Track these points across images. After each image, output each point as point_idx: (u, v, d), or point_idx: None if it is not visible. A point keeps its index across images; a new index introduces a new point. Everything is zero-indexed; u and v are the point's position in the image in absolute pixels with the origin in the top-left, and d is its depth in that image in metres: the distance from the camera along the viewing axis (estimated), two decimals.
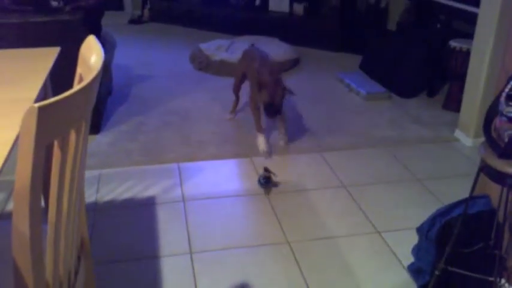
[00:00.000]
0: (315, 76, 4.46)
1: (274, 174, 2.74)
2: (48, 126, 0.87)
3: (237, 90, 3.53)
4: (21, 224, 0.89)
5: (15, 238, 0.91)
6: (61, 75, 1.93)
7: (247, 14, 5.63)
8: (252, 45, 3.64)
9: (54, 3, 3.04)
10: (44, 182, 0.94)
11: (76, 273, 1.28)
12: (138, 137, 3.27)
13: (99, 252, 2.20)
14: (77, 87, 0.96)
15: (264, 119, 3.15)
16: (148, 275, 2.09)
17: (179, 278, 2.07)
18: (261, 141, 3.09)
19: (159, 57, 4.95)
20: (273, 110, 2.97)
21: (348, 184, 2.79)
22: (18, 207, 0.88)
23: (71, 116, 0.97)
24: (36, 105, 0.82)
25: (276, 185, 2.75)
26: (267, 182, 2.71)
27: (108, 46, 3.61)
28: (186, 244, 2.28)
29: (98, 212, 2.50)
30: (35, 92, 1.43)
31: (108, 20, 4.19)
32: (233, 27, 5.58)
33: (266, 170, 2.72)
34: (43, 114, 0.83)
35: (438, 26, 4.38)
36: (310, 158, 3.08)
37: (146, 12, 6.25)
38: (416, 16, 4.82)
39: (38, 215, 0.91)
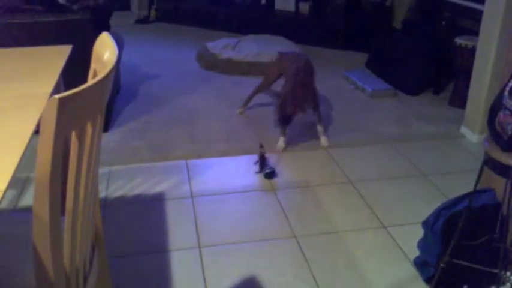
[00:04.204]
0: (321, 74, 4.48)
1: (266, 158, 2.91)
2: (68, 117, 0.91)
3: (259, 91, 3.58)
4: (42, 211, 0.93)
5: (35, 224, 0.95)
6: (70, 73, 1.97)
7: (253, 13, 5.67)
8: (280, 53, 3.59)
9: (62, 1, 3.08)
10: (61, 176, 0.98)
11: (91, 262, 1.32)
12: (146, 134, 3.32)
13: (109, 246, 2.24)
14: (93, 80, 1.00)
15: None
16: (158, 268, 2.13)
17: (188, 271, 2.11)
18: (280, 141, 3.15)
19: (166, 56, 4.99)
20: (283, 120, 3.04)
21: (354, 180, 2.82)
22: (39, 194, 0.92)
23: (88, 108, 1.01)
24: (57, 96, 0.86)
25: (275, 171, 2.85)
26: (271, 171, 2.80)
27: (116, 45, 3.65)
28: (194, 238, 2.31)
29: (108, 207, 2.55)
30: (49, 88, 1.48)
31: (115, 20, 4.23)
32: (239, 26, 5.62)
33: (261, 157, 2.86)
34: (63, 105, 0.87)
35: (443, 23, 4.40)
36: (317, 154, 3.11)
37: (153, 12, 6.30)
38: (421, 14, 4.83)
39: (57, 202, 0.95)
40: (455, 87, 3.84)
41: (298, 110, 3.05)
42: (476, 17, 3.54)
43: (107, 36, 1.29)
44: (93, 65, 1.30)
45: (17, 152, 1.09)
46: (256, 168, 2.89)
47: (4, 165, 1.04)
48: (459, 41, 3.67)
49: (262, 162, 2.88)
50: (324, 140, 3.21)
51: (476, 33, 3.29)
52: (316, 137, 3.30)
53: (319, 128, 3.24)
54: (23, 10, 2.98)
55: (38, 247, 0.98)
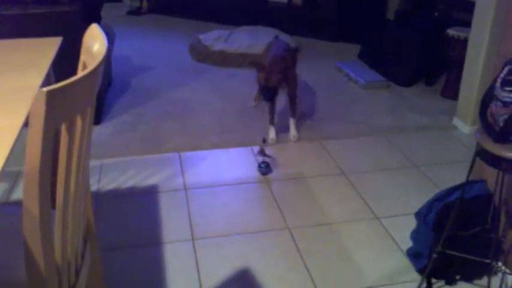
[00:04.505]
0: (314, 66, 4.48)
1: (268, 155, 2.84)
2: (57, 110, 0.90)
3: None
4: (31, 204, 0.92)
5: (25, 218, 0.94)
6: (60, 65, 1.95)
7: (246, 4, 5.64)
8: (276, 37, 3.60)
9: None
10: (51, 169, 0.97)
11: (82, 255, 1.31)
12: (139, 127, 3.30)
13: (101, 239, 2.23)
14: (82, 73, 0.98)
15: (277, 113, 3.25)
16: (151, 261, 2.12)
17: (181, 263, 2.11)
18: (271, 133, 3.16)
19: (158, 48, 4.96)
20: (268, 92, 3.01)
21: (347, 171, 2.83)
22: (28, 188, 0.92)
23: (78, 101, 1.00)
24: (45, 89, 0.84)
25: (271, 167, 2.81)
26: (267, 167, 2.77)
27: (107, 37, 3.62)
28: (188, 231, 2.31)
29: (100, 200, 2.54)
30: (39, 80, 1.46)
31: (106, 11, 4.19)
32: (232, 18, 5.59)
33: (262, 151, 2.82)
34: (52, 98, 0.86)
35: (436, 14, 4.40)
36: (310, 146, 3.11)
37: (144, 3, 6.25)
38: (414, 4, 4.84)
39: (47, 196, 0.95)
40: (447, 78, 3.85)
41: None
42: (468, 8, 3.54)
43: (96, 28, 1.28)
44: (83, 57, 1.29)
45: (6, 145, 1.08)
46: (259, 159, 2.88)
47: None
48: (451, 32, 3.68)
49: (266, 167, 2.81)
50: (292, 134, 3.18)
51: (468, 24, 3.29)
52: (308, 128, 3.30)
53: (291, 120, 3.20)
54: (13, 1, 2.94)
55: (28, 241, 0.97)
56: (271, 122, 3.18)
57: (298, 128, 3.25)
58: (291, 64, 3.19)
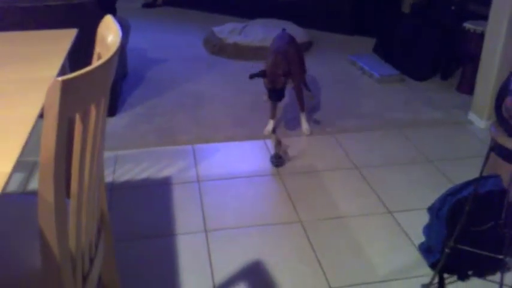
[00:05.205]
0: (328, 59, 4.47)
1: (281, 146, 2.83)
2: (71, 99, 0.91)
3: None
4: (47, 193, 0.94)
5: (41, 206, 0.96)
6: (76, 57, 1.97)
7: None
8: (284, 29, 3.58)
9: None
10: (66, 159, 0.99)
11: (96, 245, 1.33)
12: (153, 119, 3.32)
13: (116, 230, 2.26)
14: (97, 63, 1.00)
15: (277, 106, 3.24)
16: (164, 252, 2.14)
17: (194, 255, 2.13)
18: (269, 125, 3.17)
19: (173, 40, 4.98)
20: (275, 95, 3.00)
21: (361, 165, 2.82)
22: (44, 177, 0.93)
23: (92, 91, 1.01)
24: (60, 78, 0.86)
25: (284, 159, 2.79)
26: (279, 160, 2.76)
27: (122, 30, 3.64)
28: (201, 223, 2.33)
29: (115, 191, 2.56)
30: (54, 72, 1.48)
31: (122, 4, 4.22)
32: (246, 11, 5.58)
33: (278, 142, 2.81)
34: (66, 87, 0.87)
35: (452, 7, 4.35)
36: (323, 139, 3.11)
37: None
38: None
39: (62, 185, 0.96)
40: (463, 72, 3.81)
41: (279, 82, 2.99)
42: (485, 1, 3.49)
43: (110, 19, 1.29)
44: (98, 49, 1.30)
45: (22, 135, 1.09)
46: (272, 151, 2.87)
47: (9, 148, 1.04)
48: (468, 25, 3.63)
49: (278, 159, 2.82)
50: (305, 128, 3.18)
51: (485, 17, 3.25)
52: (321, 122, 3.30)
53: (301, 114, 3.19)
54: None
55: (43, 229, 0.99)
56: (272, 117, 3.18)
57: (310, 122, 3.24)
58: (293, 58, 3.15)
